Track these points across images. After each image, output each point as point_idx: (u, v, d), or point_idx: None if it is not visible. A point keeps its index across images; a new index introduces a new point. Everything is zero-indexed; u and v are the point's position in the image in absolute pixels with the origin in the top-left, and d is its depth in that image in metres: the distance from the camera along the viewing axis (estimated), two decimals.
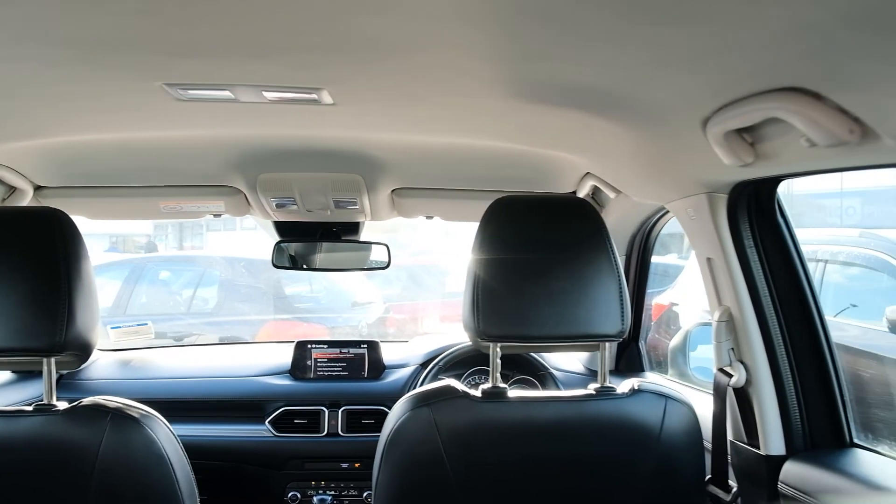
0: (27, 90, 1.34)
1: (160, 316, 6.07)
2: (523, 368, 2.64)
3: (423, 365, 2.66)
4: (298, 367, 2.66)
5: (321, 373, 2.66)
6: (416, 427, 1.47)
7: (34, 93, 1.36)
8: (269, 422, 2.53)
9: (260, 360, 2.75)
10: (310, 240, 2.51)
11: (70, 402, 1.42)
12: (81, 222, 1.58)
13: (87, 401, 1.42)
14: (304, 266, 2.60)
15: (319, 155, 1.92)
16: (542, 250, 1.48)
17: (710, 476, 1.65)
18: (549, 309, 1.47)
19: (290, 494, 2.53)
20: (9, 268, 1.36)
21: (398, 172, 2.07)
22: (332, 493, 2.53)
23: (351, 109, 1.45)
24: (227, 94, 1.33)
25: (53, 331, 1.35)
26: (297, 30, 1.01)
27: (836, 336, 4.97)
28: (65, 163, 1.91)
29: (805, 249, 5.20)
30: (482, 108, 1.45)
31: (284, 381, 2.63)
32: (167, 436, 1.44)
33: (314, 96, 1.34)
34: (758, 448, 1.61)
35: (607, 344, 1.55)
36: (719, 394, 1.65)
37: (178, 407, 2.39)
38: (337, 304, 6.61)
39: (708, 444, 1.69)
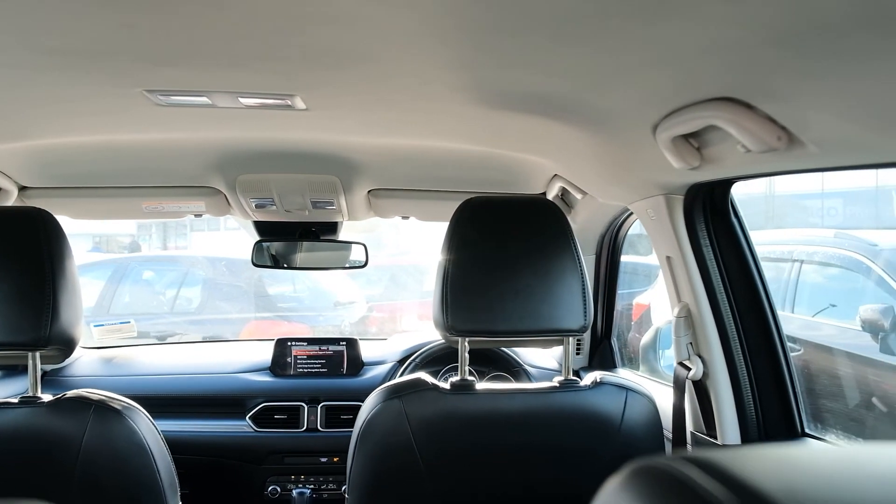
0: (12, 94, 1.40)
1: (143, 315, 6.12)
2: (498, 365, 2.71)
3: (401, 362, 2.74)
4: (279, 364, 2.72)
5: (301, 369, 2.72)
6: (387, 418, 1.53)
7: (20, 96, 1.42)
8: (249, 417, 2.59)
9: (241, 357, 2.82)
10: (289, 239, 2.58)
11: (54, 395, 1.49)
12: (65, 222, 1.64)
13: (70, 393, 1.49)
14: (284, 265, 2.66)
15: (296, 157, 1.99)
16: (509, 249, 1.55)
17: None
18: (514, 305, 1.53)
19: (269, 488, 2.59)
20: None
21: (374, 174, 2.14)
22: (311, 486, 2.60)
23: (324, 114, 1.52)
24: (204, 99, 1.39)
25: (38, 326, 1.42)
26: (270, 41, 1.08)
27: (813, 335, 5.05)
28: (49, 164, 1.97)
29: (781, 250, 5.28)
30: (451, 112, 1.51)
31: (265, 378, 2.70)
32: (149, 427, 1.50)
33: (287, 102, 1.41)
34: (715, 439, 1.69)
35: (571, 338, 1.63)
36: (679, 386, 1.74)
37: (160, 403, 2.44)
38: (320, 303, 6.67)
39: (669, 435, 1.78)
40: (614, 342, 2.71)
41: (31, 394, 1.50)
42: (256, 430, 2.58)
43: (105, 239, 10.70)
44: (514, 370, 2.71)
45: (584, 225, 2.31)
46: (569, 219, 1.62)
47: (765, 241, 5.88)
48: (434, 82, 1.29)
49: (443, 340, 2.63)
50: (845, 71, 0.82)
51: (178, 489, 1.58)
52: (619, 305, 2.72)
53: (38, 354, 1.48)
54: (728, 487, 0.37)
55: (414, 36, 1.04)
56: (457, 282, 1.54)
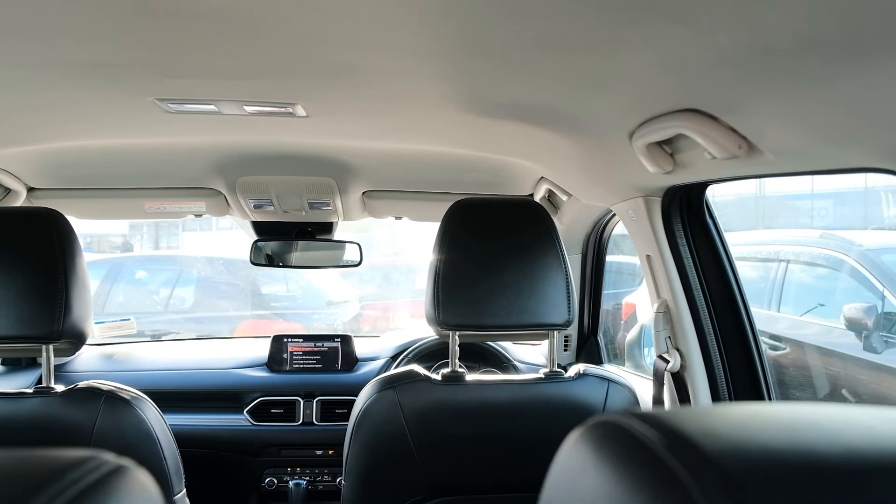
0: (31, 102, 1.50)
1: (138, 314, 6.19)
2: (488, 361, 2.82)
3: (394, 357, 2.84)
4: (275, 360, 2.82)
5: (297, 365, 2.82)
6: (382, 407, 1.63)
7: (37, 104, 1.52)
8: (247, 411, 2.69)
9: (238, 353, 2.91)
10: (286, 239, 2.68)
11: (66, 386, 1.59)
12: None
13: (82, 384, 1.59)
14: (281, 264, 2.76)
15: (295, 160, 2.09)
16: (497, 248, 1.65)
17: None
18: (502, 301, 1.64)
19: (266, 480, 2.69)
20: (10, 263, 1.53)
21: (368, 176, 2.25)
22: (307, 478, 2.70)
23: (323, 120, 1.63)
24: (211, 107, 1.50)
25: (52, 320, 1.52)
26: (274, 56, 1.18)
27: (799, 334, 5.15)
28: (57, 166, 2.07)
29: (768, 250, 5.39)
30: (442, 119, 1.62)
31: (262, 373, 2.79)
32: (156, 417, 1.61)
33: (289, 110, 1.51)
34: None
35: (556, 332, 1.73)
36: (658, 378, 1.85)
37: (160, 397, 2.51)
38: (313, 302, 6.76)
39: None
40: (600, 338, 2.82)
41: (45, 384, 1.60)
42: (254, 424, 2.68)
43: (97, 239, 10.75)
44: (503, 366, 2.82)
45: (571, 225, 2.42)
46: (555, 219, 1.72)
47: (753, 242, 5.99)
48: (427, 93, 1.39)
49: (434, 337, 2.76)
50: (793, 90, 0.93)
51: (183, 475, 1.68)
52: (610, 305, 2.83)
53: (51, 347, 1.58)
54: (657, 430, 0.48)
55: (410, 53, 1.14)
56: (448, 279, 1.64)
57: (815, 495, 0.41)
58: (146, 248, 11.00)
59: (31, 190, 2.21)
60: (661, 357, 1.84)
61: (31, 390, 1.59)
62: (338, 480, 2.70)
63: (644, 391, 1.78)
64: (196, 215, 2.52)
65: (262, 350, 2.85)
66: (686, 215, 1.76)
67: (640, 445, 0.47)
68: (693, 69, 1.00)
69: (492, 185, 2.28)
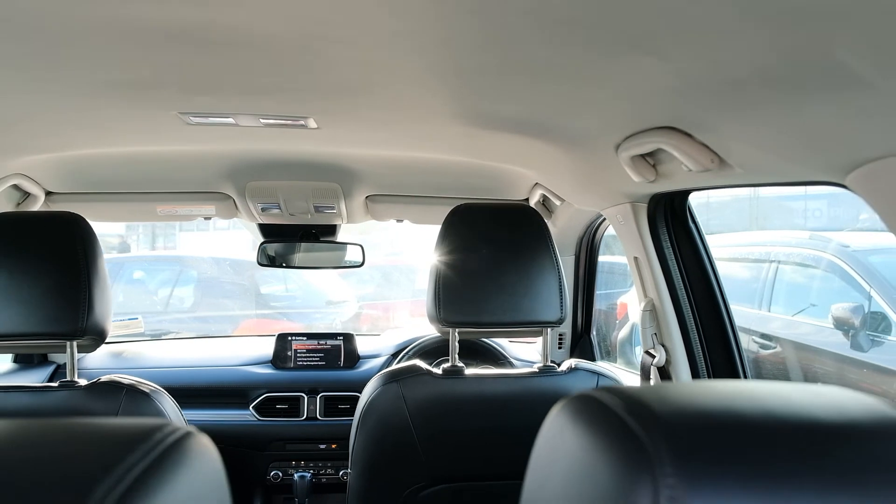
0: (59, 115, 1.62)
1: (136, 313, 6.30)
2: (486, 357, 2.95)
3: (394, 355, 2.97)
4: (279, 358, 2.95)
5: (300, 362, 2.95)
6: (386, 399, 1.76)
7: (66, 117, 1.65)
8: (252, 407, 2.81)
9: (244, 351, 3.03)
10: (291, 240, 2.81)
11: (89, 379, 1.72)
12: None
13: (104, 378, 1.72)
14: (286, 264, 2.89)
15: (302, 166, 2.22)
16: (494, 250, 1.78)
17: None
18: (499, 299, 1.77)
19: (272, 473, 2.82)
20: (36, 264, 1.65)
21: (372, 181, 2.38)
22: (311, 471, 2.82)
23: (332, 131, 1.76)
24: (229, 120, 1.63)
25: (76, 318, 1.64)
26: (289, 76, 1.31)
27: (791, 333, 5.27)
28: (75, 172, 2.20)
29: (759, 251, 5.50)
30: (444, 131, 1.75)
31: (267, 370, 2.92)
32: (173, 409, 1.74)
33: (302, 122, 1.65)
34: None
35: (549, 329, 1.86)
36: (645, 372, 1.99)
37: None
38: (312, 302, 6.89)
39: None
40: (593, 337, 2.96)
41: (68, 378, 1.73)
42: (259, 419, 2.80)
43: None
44: (500, 362, 2.95)
45: (564, 228, 2.56)
46: (549, 222, 1.84)
47: (745, 243, 6.12)
48: (431, 109, 1.53)
49: (433, 335, 2.90)
50: (754, 115, 1.07)
51: None
52: (604, 305, 2.96)
53: (75, 343, 1.71)
54: (621, 399, 0.61)
55: (415, 75, 1.27)
56: (448, 279, 1.77)
57: (735, 445, 0.54)
58: (143, 248, 11.09)
59: (48, 194, 2.34)
60: (647, 352, 1.98)
61: (56, 384, 1.72)
62: (341, 473, 2.83)
63: (633, 385, 1.92)
64: (205, 218, 2.65)
65: (267, 348, 2.98)
66: (670, 220, 1.90)
67: (607, 410, 0.61)
68: (668, 94, 1.13)
69: (489, 190, 2.42)
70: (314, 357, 2.97)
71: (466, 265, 1.78)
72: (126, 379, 1.73)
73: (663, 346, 1.95)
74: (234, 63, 1.23)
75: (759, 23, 0.78)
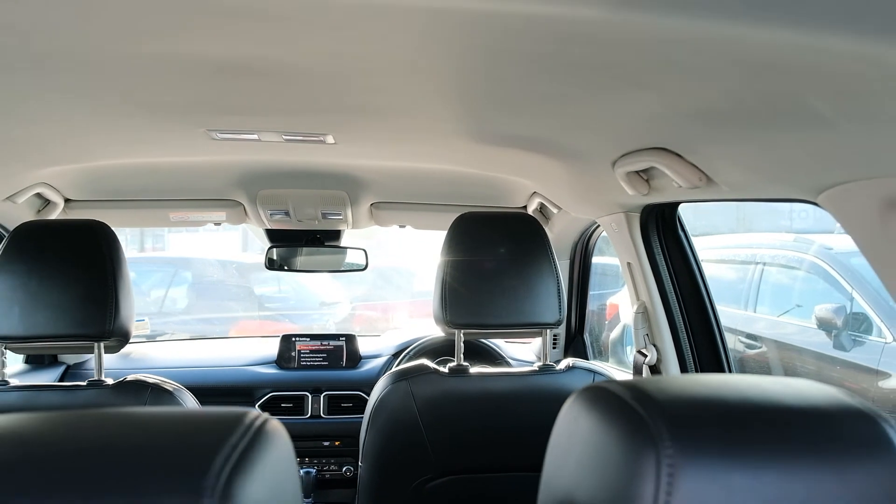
0: (89, 129, 1.75)
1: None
2: (484, 357, 3.08)
3: (395, 355, 3.11)
4: (284, 358, 3.08)
5: (304, 362, 3.08)
6: (396, 397, 1.88)
7: (94, 133, 1.77)
8: (258, 406, 2.93)
9: (248, 352, 3.16)
10: (297, 245, 2.95)
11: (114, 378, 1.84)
12: None
13: (130, 377, 1.85)
14: (293, 268, 3.03)
15: (312, 175, 2.36)
16: (497, 256, 1.91)
17: None
18: (501, 302, 1.90)
19: None
20: (65, 269, 1.78)
21: (377, 189, 2.53)
22: (316, 467, 2.95)
23: (347, 146, 1.90)
24: (254, 136, 1.77)
25: (103, 320, 1.77)
26: (311, 98, 1.43)
27: (776, 334, 5.41)
28: (95, 181, 2.33)
29: (745, 253, 5.63)
30: (449, 145, 1.89)
31: (271, 370, 3.05)
32: (194, 406, 1.87)
33: (321, 139, 1.78)
34: None
35: (548, 330, 2.00)
36: (637, 370, 2.14)
37: None
38: (306, 303, 7.02)
39: None
40: (586, 337, 3.11)
41: (96, 377, 1.85)
42: None
43: None
44: (497, 362, 3.09)
45: (560, 234, 2.71)
46: (546, 228, 1.98)
47: (732, 245, 6.28)
48: (441, 128, 1.67)
49: (433, 335, 3.04)
50: (736, 141, 1.22)
51: None
52: (594, 306, 3.11)
53: (102, 344, 1.83)
54: (628, 389, 0.76)
55: (428, 98, 1.41)
56: (454, 283, 1.90)
57: (720, 425, 0.70)
58: (132, 249, 11.14)
59: (67, 201, 2.46)
60: (639, 352, 2.13)
61: (84, 383, 1.85)
62: (344, 469, 2.96)
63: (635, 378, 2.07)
64: (215, 224, 2.78)
65: (272, 349, 3.11)
66: (661, 229, 2.06)
67: (617, 398, 0.76)
68: (660, 120, 1.29)
69: (489, 198, 2.56)
70: (317, 357, 3.10)
71: (471, 270, 1.90)
72: (151, 378, 1.86)
73: (654, 345, 2.11)
74: (264, 89, 1.35)
75: (738, 68, 0.93)
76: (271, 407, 2.94)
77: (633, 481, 0.68)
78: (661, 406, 0.71)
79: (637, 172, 1.63)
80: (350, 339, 3.14)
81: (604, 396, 0.79)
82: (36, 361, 2.97)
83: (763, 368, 5.02)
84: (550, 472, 0.86)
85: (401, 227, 2.90)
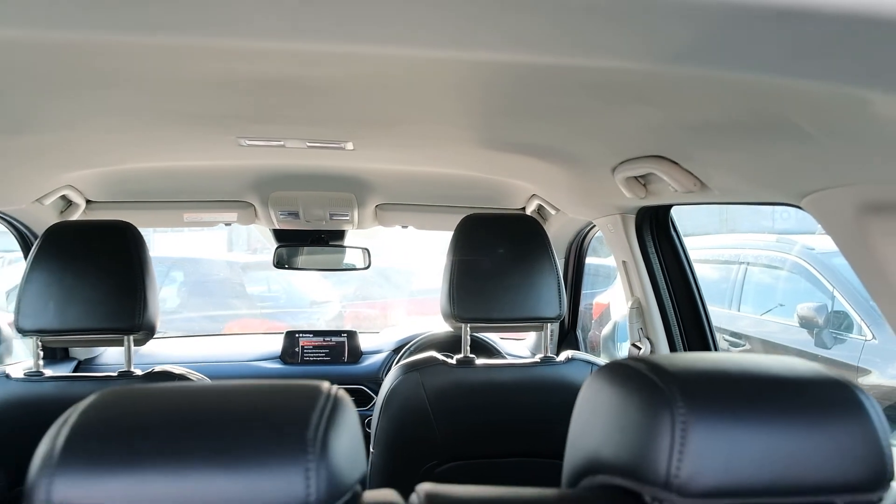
0: (119, 137, 1.87)
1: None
2: (481, 352, 3.23)
3: (396, 351, 3.25)
4: (288, 353, 3.22)
5: (308, 358, 3.22)
6: (407, 387, 2.02)
7: (125, 139, 1.89)
8: None
9: (253, 348, 3.30)
10: (303, 244, 3.09)
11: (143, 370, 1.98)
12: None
13: (158, 368, 1.98)
14: (301, 267, 3.18)
15: (323, 178, 2.51)
16: (501, 254, 2.06)
17: None
18: (505, 298, 2.04)
19: None
20: (96, 267, 1.92)
21: (383, 191, 2.67)
22: None
23: (364, 152, 2.04)
24: (280, 143, 1.91)
25: (133, 315, 1.91)
26: (335, 110, 1.56)
27: (760, 332, 5.58)
28: (117, 183, 2.46)
29: (729, 253, 5.79)
30: (456, 150, 2.03)
31: (276, 365, 3.19)
32: None
33: (342, 146, 1.93)
34: None
35: (549, 325, 2.16)
36: None
37: None
38: (296, 302, 7.16)
39: None
40: (579, 333, 3.27)
41: (126, 369, 1.99)
42: None
43: None
44: (493, 356, 3.24)
45: (556, 235, 2.86)
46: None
47: (715, 245, 6.46)
48: (454, 136, 1.81)
49: (431, 332, 3.19)
50: (728, 150, 1.38)
51: None
52: (582, 305, 3.28)
53: (131, 338, 1.98)
54: (644, 363, 0.92)
55: (448, 111, 1.55)
56: (461, 280, 2.04)
57: (722, 390, 0.85)
58: None
59: (88, 202, 2.59)
60: (634, 345, 2.29)
61: (115, 374, 1.99)
62: None
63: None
64: (226, 224, 2.92)
65: (276, 345, 3.25)
66: (655, 229, 2.22)
67: (636, 371, 0.91)
68: (659, 131, 1.44)
69: (489, 199, 2.72)
70: (320, 353, 3.24)
71: (477, 267, 2.05)
72: (177, 369, 1.99)
73: (648, 338, 2.27)
74: (293, 101, 1.48)
75: (729, 88, 1.08)
76: None
77: (652, 437, 0.83)
78: (673, 375, 0.87)
79: (635, 177, 1.79)
80: (351, 335, 3.29)
81: (623, 371, 0.94)
82: (49, 357, 3.08)
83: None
84: (576, 437, 1.02)
85: (403, 227, 3.04)
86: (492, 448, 2.04)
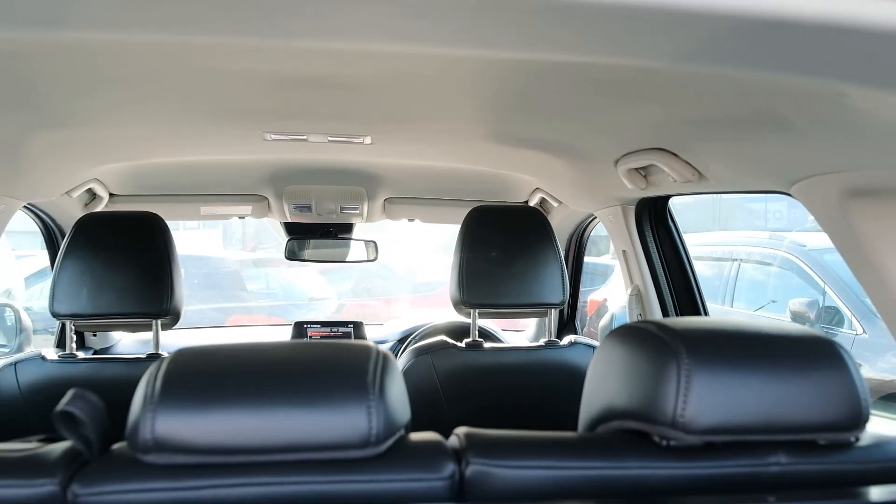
0: (148, 133, 2.00)
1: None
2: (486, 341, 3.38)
3: (401, 340, 3.38)
4: None
5: None
6: (419, 370, 2.16)
7: (153, 134, 2.03)
8: None
9: (263, 339, 3.42)
10: (313, 237, 3.22)
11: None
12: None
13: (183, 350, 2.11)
14: (312, 259, 3.31)
15: (336, 172, 2.64)
16: (507, 244, 2.20)
17: None
18: (511, 285, 2.18)
19: None
20: (127, 256, 2.06)
21: (392, 185, 2.81)
22: None
23: (381, 146, 2.17)
24: (303, 138, 2.04)
25: (161, 300, 2.05)
26: (357, 106, 1.68)
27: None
28: (139, 177, 2.58)
29: (722, 250, 5.93)
30: (465, 144, 2.17)
31: None
32: None
33: (361, 140, 2.06)
34: None
35: (552, 310, 2.30)
36: None
37: None
38: (294, 298, 7.29)
39: None
40: (577, 324, 3.41)
41: (154, 351, 2.13)
42: None
43: None
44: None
45: (557, 228, 2.98)
46: None
47: (709, 242, 6.61)
48: (466, 131, 1.95)
49: (433, 322, 3.31)
50: (725, 142, 1.53)
51: None
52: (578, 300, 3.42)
53: (159, 322, 2.12)
54: (652, 324, 1.06)
55: (464, 108, 1.69)
56: (470, 268, 2.18)
57: (721, 344, 1.00)
58: None
59: (111, 196, 2.72)
60: None
61: (144, 355, 2.13)
62: None
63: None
64: (240, 217, 3.05)
65: (284, 336, 3.37)
66: (654, 220, 2.37)
67: (645, 332, 1.06)
68: (661, 125, 1.59)
69: (493, 193, 2.85)
70: None
71: (485, 257, 2.19)
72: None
73: None
74: (317, 98, 1.61)
75: (726, 84, 1.22)
76: None
77: (660, 384, 0.98)
78: (678, 332, 1.02)
79: (636, 169, 1.93)
80: (358, 326, 3.40)
81: (634, 331, 1.09)
82: (62, 346, 3.20)
83: None
84: (590, 393, 1.16)
85: (410, 220, 3.17)
86: (497, 425, 2.15)
